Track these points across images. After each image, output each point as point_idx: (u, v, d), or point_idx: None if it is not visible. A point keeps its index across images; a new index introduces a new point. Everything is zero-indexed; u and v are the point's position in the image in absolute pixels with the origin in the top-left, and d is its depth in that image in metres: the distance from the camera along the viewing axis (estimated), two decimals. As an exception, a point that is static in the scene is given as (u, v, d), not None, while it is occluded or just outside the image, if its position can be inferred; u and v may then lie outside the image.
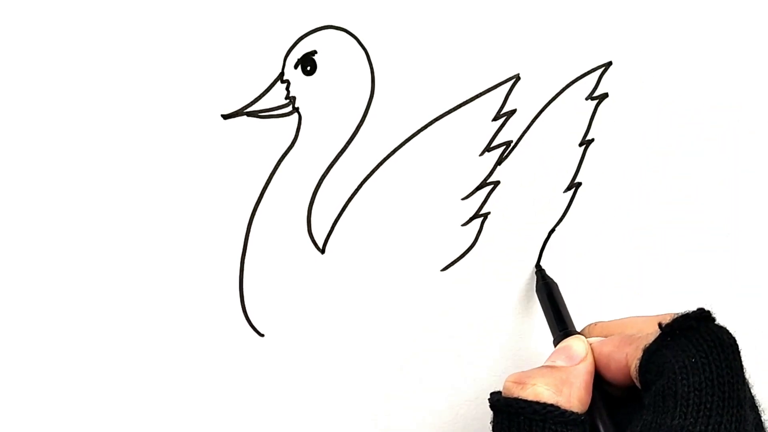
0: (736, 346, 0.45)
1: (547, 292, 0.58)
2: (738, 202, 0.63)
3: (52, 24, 0.62)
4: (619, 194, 0.62)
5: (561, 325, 0.56)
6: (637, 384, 0.47)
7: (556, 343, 0.55)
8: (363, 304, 0.62)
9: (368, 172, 0.62)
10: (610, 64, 0.63)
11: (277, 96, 0.62)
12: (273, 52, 0.62)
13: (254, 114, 0.62)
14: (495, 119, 0.62)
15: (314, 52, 0.62)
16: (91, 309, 0.61)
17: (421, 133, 0.62)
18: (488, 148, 0.62)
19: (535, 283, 0.61)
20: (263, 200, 0.62)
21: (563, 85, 0.63)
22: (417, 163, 0.62)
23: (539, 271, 0.61)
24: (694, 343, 0.44)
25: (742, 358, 0.45)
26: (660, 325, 0.46)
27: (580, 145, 0.63)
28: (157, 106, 0.61)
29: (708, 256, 0.62)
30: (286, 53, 0.62)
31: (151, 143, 0.61)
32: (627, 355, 0.48)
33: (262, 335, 0.61)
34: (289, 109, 0.62)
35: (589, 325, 0.56)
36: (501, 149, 0.62)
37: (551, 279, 0.60)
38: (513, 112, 0.62)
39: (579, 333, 0.55)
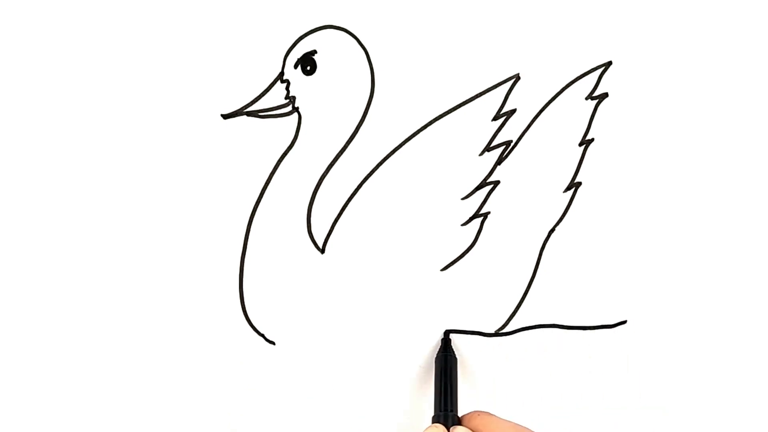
0: None
1: (445, 365, 0.59)
2: (738, 201, 0.63)
3: (53, 24, 0.62)
4: (619, 194, 0.62)
5: (444, 404, 0.57)
6: None
7: (434, 419, 0.57)
8: (363, 304, 0.62)
9: (368, 172, 0.62)
10: (610, 64, 0.63)
11: (277, 96, 0.62)
12: (273, 52, 0.62)
13: (254, 114, 0.62)
14: (495, 119, 0.62)
15: (314, 52, 0.62)
16: (90, 309, 0.61)
17: (421, 133, 0.62)
18: (488, 148, 0.62)
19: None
20: (263, 200, 0.62)
21: (563, 85, 0.63)
22: (417, 163, 0.62)
23: (445, 339, 0.61)
24: None
25: None
26: None
27: (580, 144, 0.63)
28: (158, 106, 0.62)
29: (708, 256, 0.62)
30: (286, 53, 0.62)
31: (151, 143, 0.62)
32: None
33: (262, 334, 0.61)
34: (289, 108, 0.62)
35: (473, 413, 0.57)
36: (501, 149, 0.62)
37: (453, 353, 0.60)
38: (513, 111, 0.62)
39: (459, 418, 0.56)
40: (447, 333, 0.61)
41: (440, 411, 0.57)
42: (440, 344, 0.61)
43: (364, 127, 0.62)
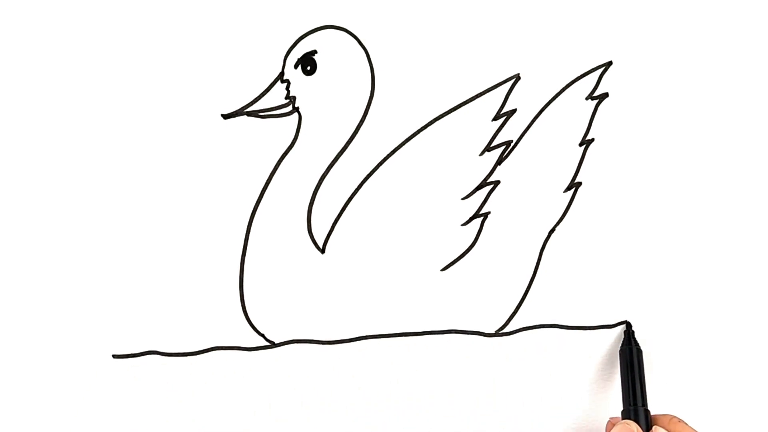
0: None
1: (631, 358, 0.59)
2: (738, 201, 0.63)
3: (53, 25, 0.62)
4: (619, 194, 0.62)
5: (635, 398, 0.58)
6: None
7: (623, 414, 0.58)
8: (363, 304, 0.62)
9: (368, 172, 0.62)
10: (610, 64, 0.63)
11: (277, 96, 0.62)
12: (273, 52, 0.62)
13: (254, 114, 0.62)
14: (495, 119, 0.62)
15: (314, 52, 0.62)
16: (90, 308, 0.61)
17: (421, 133, 0.62)
18: (488, 148, 0.62)
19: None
20: (263, 200, 0.62)
21: (563, 85, 0.63)
22: (417, 163, 0.62)
23: (628, 331, 0.61)
24: None
25: None
26: None
27: (580, 145, 0.63)
28: (158, 106, 0.62)
29: (708, 257, 0.62)
30: (286, 53, 0.62)
31: (152, 143, 0.62)
32: None
33: (262, 334, 0.61)
34: (289, 108, 0.62)
35: (668, 416, 0.57)
36: (501, 149, 0.62)
37: (638, 345, 0.60)
38: (513, 111, 0.62)
39: (653, 416, 0.57)
40: (629, 325, 0.61)
41: (630, 405, 0.57)
42: (623, 336, 0.61)
43: (364, 127, 0.62)
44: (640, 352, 0.59)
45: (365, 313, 0.62)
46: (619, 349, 0.60)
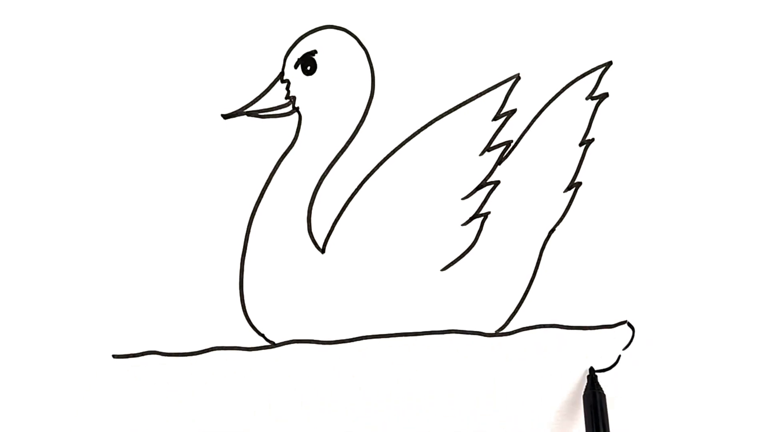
0: None
1: (593, 402, 0.60)
2: (738, 201, 0.63)
3: (54, 25, 0.62)
4: (619, 194, 0.62)
5: None
6: None
7: None
8: (363, 304, 0.62)
9: (368, 172, 0.62)
10: (610, 64, 0.63)
11: (277, 96, 0.62)
12: (273, 52, 0.62)
13: (254, 114, 0.62)
14: (495, 119, 0.62)
15: (314, 52, 0.62)
16: (90, 308, 0.61)
17: (421, 133, 0.62)
18: (488, 148, 0.62)
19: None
20: (263, 200, 0.62)
21: (563, 85, 0.63)
22: (417, 162, 0.62)
23: (591, 376, 0.61)
24: None
25: None
26: None
27: (580, 145, 0.63)
28: (158, 106, 0.62)
29: (708, 256, 0.62)
30: (286, 53, 0.62)
31: (152, 143, 0.62)
32: None
33: (262, 334, 0.61)
34: (289, 108, 0.62)
35: None
36: (501, 149, 0.62)
37: (601, 390, 0.60)
38: (513, 111, 0.62)
39: None
40: (592, 370, 0.61)
41: None
42: (587, 381, 0.61)
43: (364, 127, 0.62)
44: (603, 396, 0.59)
45: (365, 313, 0.62)
46: (582, 394, 0.61)
